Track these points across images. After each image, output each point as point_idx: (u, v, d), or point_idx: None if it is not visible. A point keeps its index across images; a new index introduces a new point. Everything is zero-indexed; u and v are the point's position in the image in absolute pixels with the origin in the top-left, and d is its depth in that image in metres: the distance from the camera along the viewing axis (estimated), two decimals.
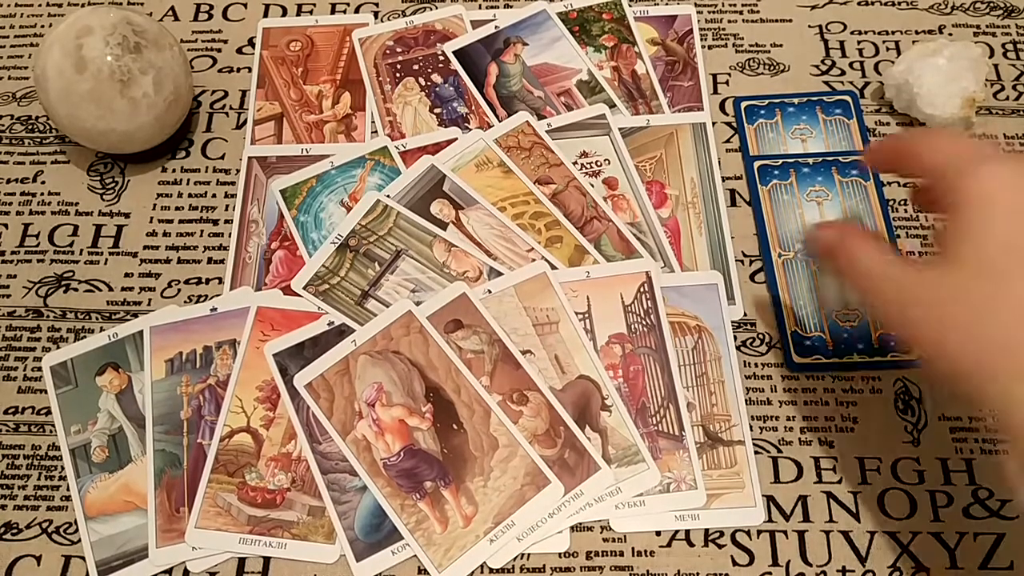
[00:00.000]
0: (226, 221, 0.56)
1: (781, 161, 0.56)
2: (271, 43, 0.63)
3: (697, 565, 0.46)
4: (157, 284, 0.54)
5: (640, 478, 0.47)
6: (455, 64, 0.61)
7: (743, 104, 0.59)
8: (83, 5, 0.65)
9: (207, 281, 0.54)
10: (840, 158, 0.56)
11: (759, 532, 0.47)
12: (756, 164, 0.56)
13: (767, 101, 0.59)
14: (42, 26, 0.64)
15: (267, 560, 0.47)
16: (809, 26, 0.63)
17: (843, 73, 0.60)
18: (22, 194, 0.58)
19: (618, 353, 0.51)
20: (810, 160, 0.56)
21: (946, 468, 0.48)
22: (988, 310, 0.34)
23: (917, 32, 0.62)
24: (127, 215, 0.57)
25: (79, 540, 0.47)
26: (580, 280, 0.52)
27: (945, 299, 0.36)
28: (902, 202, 0.55)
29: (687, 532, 0.46)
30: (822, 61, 0.61)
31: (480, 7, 0.64)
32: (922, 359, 0.42)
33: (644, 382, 0.50)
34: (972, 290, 0.35)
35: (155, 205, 0.57)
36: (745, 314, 0.52)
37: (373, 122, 0.59)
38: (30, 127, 0.60)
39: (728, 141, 0.58)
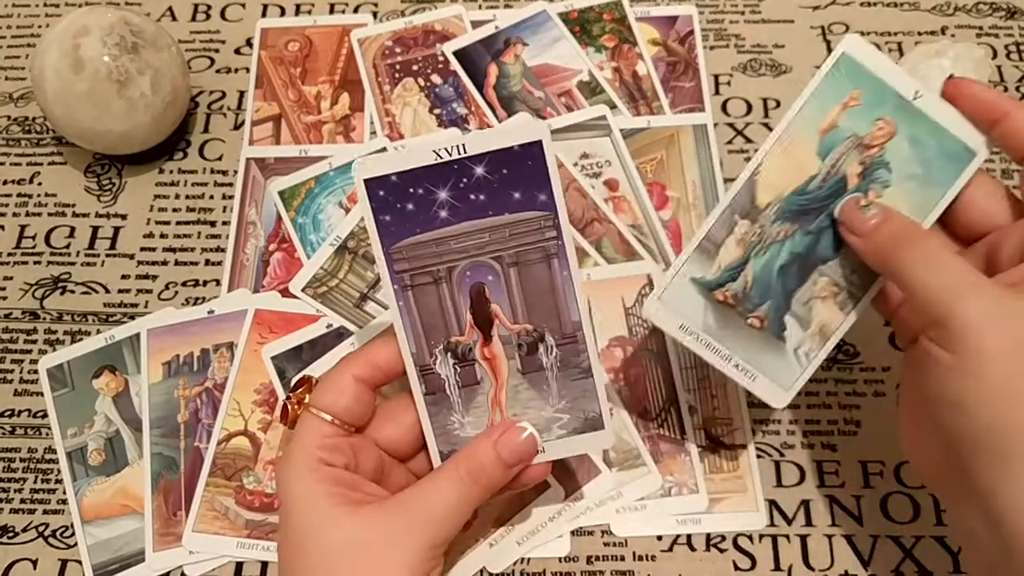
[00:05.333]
0: (224, 223, 0.56)
1: None
2: (269, 43, 0.62)
3: (699, 570, 0.45)
4: (154, 286, 0.54)
5: (641, 482, 0.47)
6: (455, 65, 0.60)
7: None
8: (80, 5, 0.64)
9: (204, 283, 0.54)
10: None
11: (761, 536, 0.46)
12: None
13: None
14: (39, 26, 0.64)
15: (265, 564, 0.46)
16: (811, 27, 0.62)
17: None
18: (19, 195, 0.57)
19: (619, 356, 0.50)
20: None
21: None
22: None
23: (920, 33, 0.62)
24: (124, 217, 0.56)
25: (75, 544, 0.47)
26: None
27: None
28: None
29: (688, 536, 0.46)
30: (824, 62, 0.60)
31: (480, 7, 0.63)
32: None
33: (645, 385, 0.49)
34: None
35: (152, 207, 0.57)
36: None
37: (372, 123, 0.59)
38: (27, 128, 0.60)
39: (730, 142, 0.58)
